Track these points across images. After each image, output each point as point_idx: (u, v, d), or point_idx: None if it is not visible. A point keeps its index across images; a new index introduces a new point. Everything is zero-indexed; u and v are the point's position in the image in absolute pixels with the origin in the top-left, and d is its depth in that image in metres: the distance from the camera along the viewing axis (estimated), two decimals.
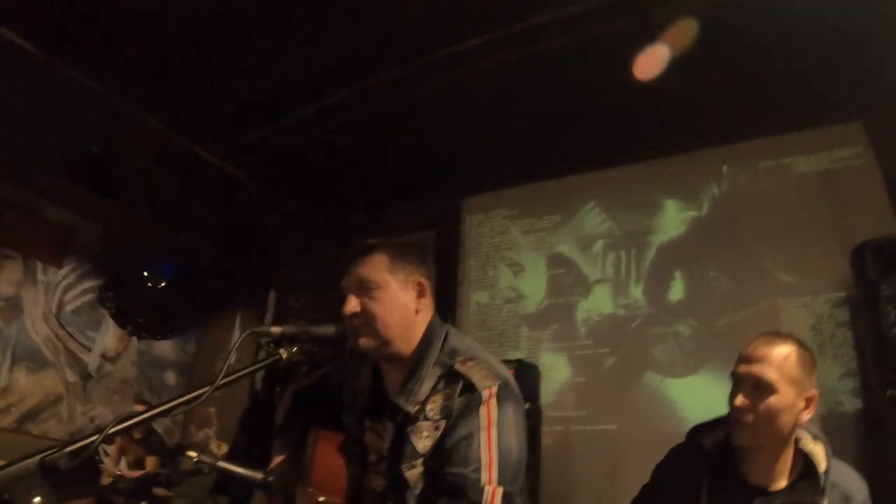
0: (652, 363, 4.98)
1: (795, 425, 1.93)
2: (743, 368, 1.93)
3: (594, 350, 5.21)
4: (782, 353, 1.92)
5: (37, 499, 1.20)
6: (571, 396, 5.17)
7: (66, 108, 5.18)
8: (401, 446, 1.82)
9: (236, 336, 6.65)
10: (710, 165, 5.20)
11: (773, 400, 1.87)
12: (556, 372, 5.24)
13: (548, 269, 5.64)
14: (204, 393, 1.50)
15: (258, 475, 1.95)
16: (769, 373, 1.88)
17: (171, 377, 6.86)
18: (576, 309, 5.40)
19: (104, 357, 6.38)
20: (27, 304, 5.84)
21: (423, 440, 1.79)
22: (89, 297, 6.28)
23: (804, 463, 1.95)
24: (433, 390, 1.83)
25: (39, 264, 5.96)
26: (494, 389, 1.77)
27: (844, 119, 4.74)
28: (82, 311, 6.25)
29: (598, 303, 5.33)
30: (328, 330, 1.82)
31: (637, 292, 5.21)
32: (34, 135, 5.14)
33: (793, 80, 4.49)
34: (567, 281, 5.51)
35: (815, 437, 1.98)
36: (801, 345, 1.97)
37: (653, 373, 4.96)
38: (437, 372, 1.85)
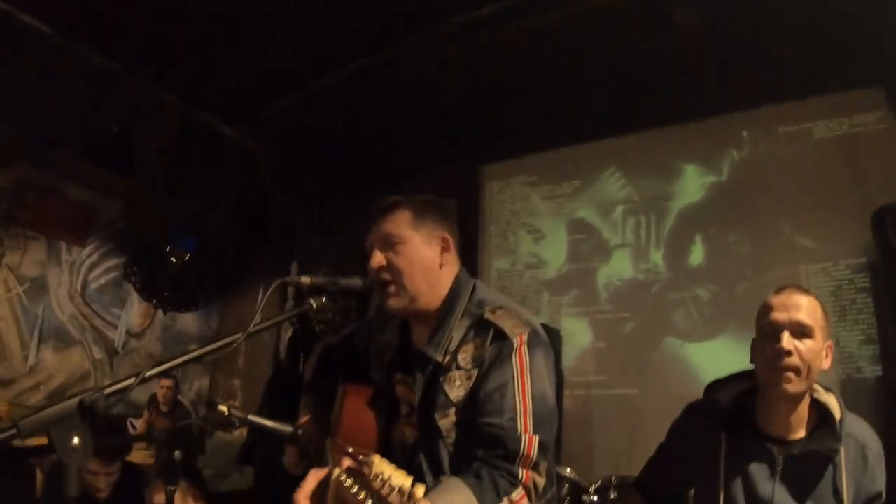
0: (672, 328, 4.99)
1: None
2: (782, 316, 1.92)
3: (615, 315, 5.22)
4: (812, 301, 1.96)
5: (75, 439, 1.22)
6: (592, 361, 5.20)
7: (82, 87, 5.22)
8: (433, 396, 1.82)
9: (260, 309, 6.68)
10: (731, 130, 5.15)
11: (811, 344, 1.89)
12: (576, 337, 5.26)
13: (568, 235, 5.64)
14: (237, 339, 1.53)
15: (288, 428, 1.96)
16: (807, 319, 1.91)
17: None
18: (596, 274, 5.40)
19: (129, 333, 6.48)
20: (52, 284, 5.94)
21: (455, 389, 1.80)
22: (113, 274, 6.37)
23: (819, 413, 1.96)
24: (463, 340, 1.84)
25: (63, 244, 6.05)
26: (525, 337, 1.79)
27: (865, 83, 4.68)
28: (106, 289, 6.34)
29: (619, 268, 5.33)
30: (355, 282, 1.83)
31: (657, 257, 5.21)
32: (52, 115, 5.18)
33: (814, 45, 4.42)
34: (587, 246, 5.51)
35: (826, 389, 2.00)
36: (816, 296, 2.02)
37: (673, 337, 4.97)
38: (466, 322, 1.86)
